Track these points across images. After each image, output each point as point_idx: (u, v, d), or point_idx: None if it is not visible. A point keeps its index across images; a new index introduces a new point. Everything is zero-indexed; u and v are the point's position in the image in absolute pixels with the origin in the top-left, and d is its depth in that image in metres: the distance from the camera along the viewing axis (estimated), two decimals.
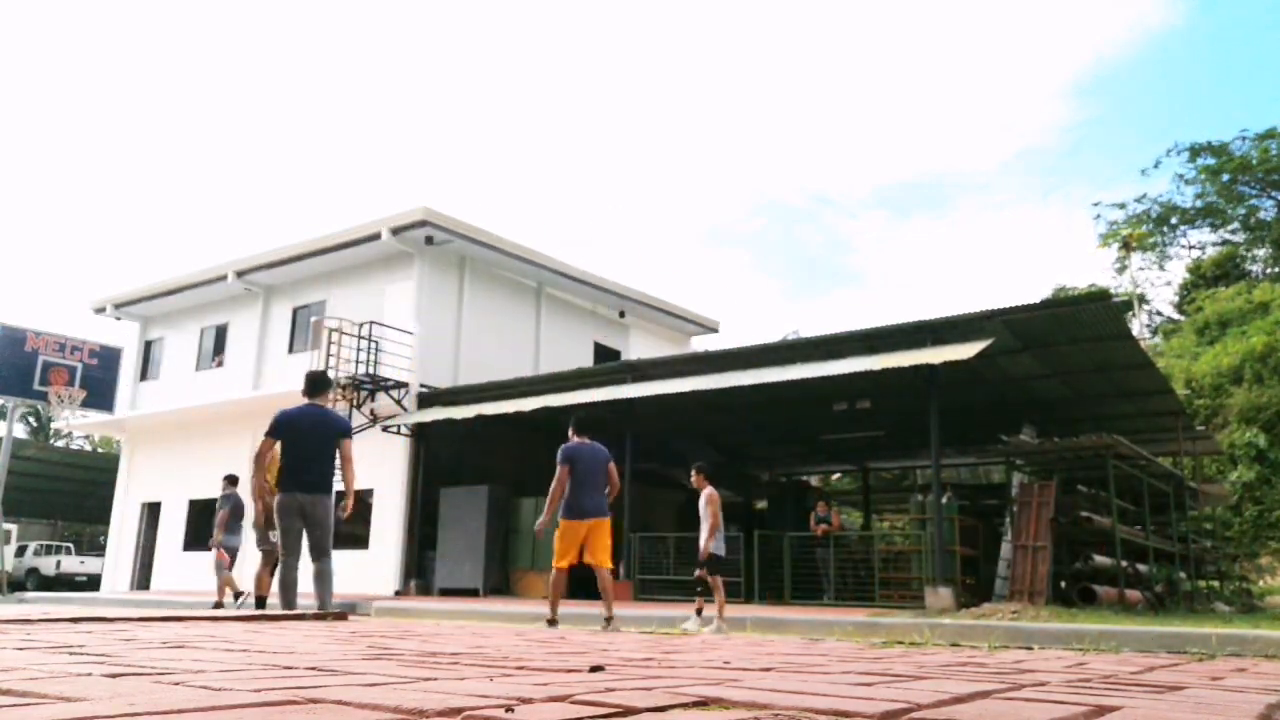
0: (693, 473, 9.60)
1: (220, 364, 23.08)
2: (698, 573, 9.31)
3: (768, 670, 3.01)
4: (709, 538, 9.16)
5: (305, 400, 7.69)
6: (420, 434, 18.26)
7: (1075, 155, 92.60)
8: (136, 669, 2.50)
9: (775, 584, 14.46)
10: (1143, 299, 43.14)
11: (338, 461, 7.56)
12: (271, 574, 8.46)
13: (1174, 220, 42.98)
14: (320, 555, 7.46)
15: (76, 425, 26.61)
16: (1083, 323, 12.82)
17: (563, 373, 17.97)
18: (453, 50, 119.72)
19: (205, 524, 22.05)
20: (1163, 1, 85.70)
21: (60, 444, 43.82)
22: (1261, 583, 21.45)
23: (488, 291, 21.06)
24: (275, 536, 7.99)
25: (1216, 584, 18.81)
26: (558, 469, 8.00)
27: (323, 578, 7.41)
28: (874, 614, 10.48)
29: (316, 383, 7.72)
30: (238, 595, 12.14)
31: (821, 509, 15.45)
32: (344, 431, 7.70)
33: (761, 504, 23.22)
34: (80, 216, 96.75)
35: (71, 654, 2.97)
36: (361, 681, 2.25)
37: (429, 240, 19.39)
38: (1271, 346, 26.96)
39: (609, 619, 7.64)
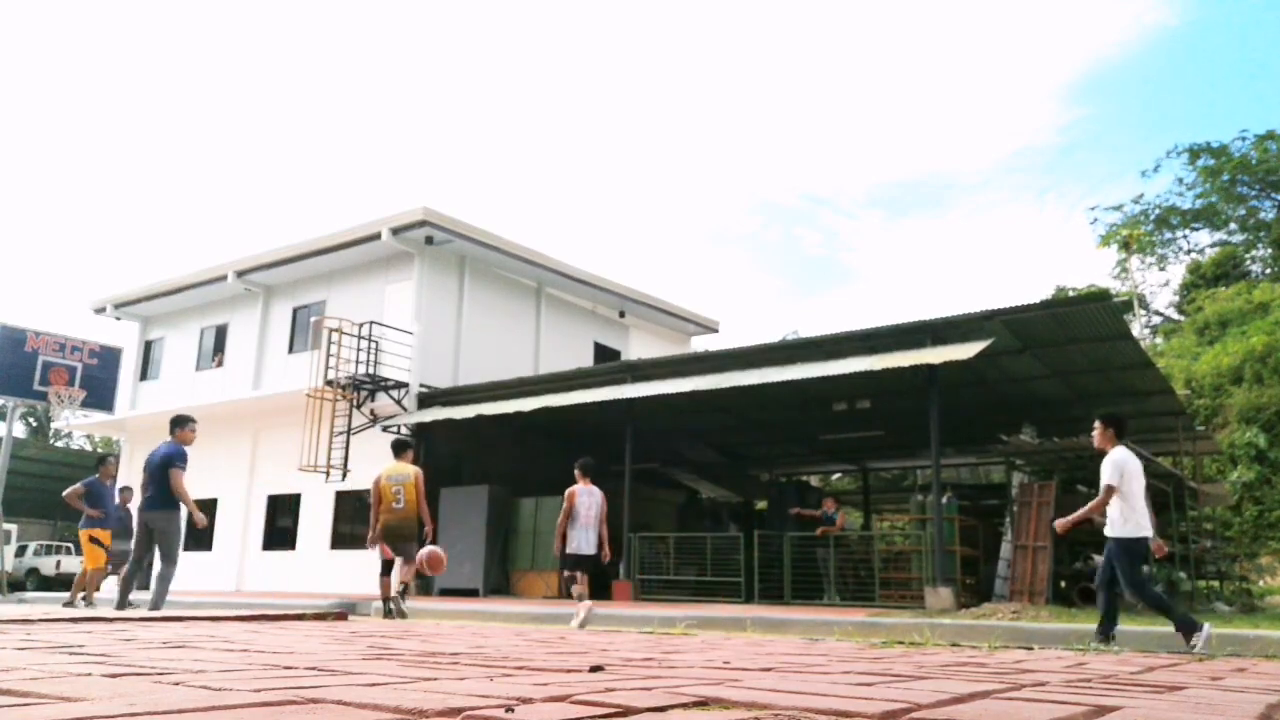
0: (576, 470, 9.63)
1: (220, 364, 23.07)
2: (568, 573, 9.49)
3: (768, 670, 3.01)
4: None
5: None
6: (420, 434, 18.25)
7: (1071, 154, 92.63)
8: (136, 669, 2.50)
9: (775, 584, 14.46)
10: (1142, 299, 43.15)
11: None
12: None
13: (1174, 221, 43.01)
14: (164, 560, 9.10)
15: (76, 425, 26.63)
16: (1082, 323, 12.83)
17: (563, 373, 17.96)
18: (453, 50, 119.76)
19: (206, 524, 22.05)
20: (1159, 1, 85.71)
21: (60, 444, 43.82)
22: (1261, 583, 21.44)
23: (488, 291, 21.06)
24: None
25: (1216, 584, 18.80)
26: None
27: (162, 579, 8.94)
28: (874, 614, 10.47)
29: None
30: None
31: (830, 505, 15.40)
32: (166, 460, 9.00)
33: (761, 504, 23.21)
34: (80, 216, 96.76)
35: (71, 654, 2.97)
36: (361, 681, 2.25)
37: (429, 240, 19.39)
38: (1271, 346, 26.95)
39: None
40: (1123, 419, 7.34)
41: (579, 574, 9.29)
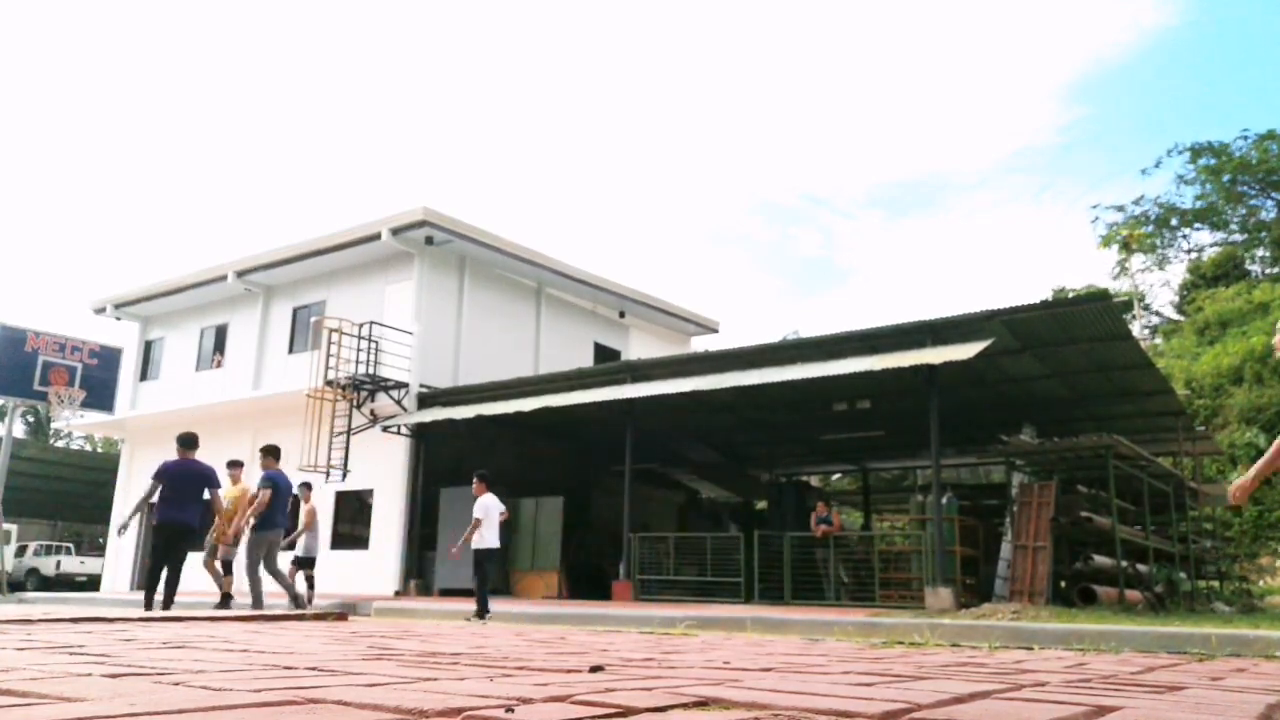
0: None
1: (220, 364, 23.06)
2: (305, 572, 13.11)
3: (768, 670, 3.01)
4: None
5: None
6: (420, 434, 18.25)
7: (1070, 154, 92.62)
8: (136, 669, 2.50)
9: (775, 584, 14.45)
10: (1143, 299, 43.13)
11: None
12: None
13: (1174, 221, 43.00)
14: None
15: (76, 425, 26.60)
16: (1082, 323, 12.82)
17: (563, 373, 17.96)
18: (453, 51, 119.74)
19: (205, 524, 22.04)
20: (1159, 2, 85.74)
21: (60, 444, 43.80)
22: (1261, 583, 21.44)
23: (488, 291, 21.05)
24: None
25: (1216, 584, 18.80)
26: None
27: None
28: (874, 614, 10.47)
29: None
30: None
31: (822, 509, 15.45)
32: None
33: (761, 504, 23.19)
34: (80, 216, 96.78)
35: (71, 654, 2.97)
36: (362, 681, 2.25)
37: (429, 240, 19.39)
38: (1271, 346, 26.94)
39: None
40: (489, 477, 11.43)
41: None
